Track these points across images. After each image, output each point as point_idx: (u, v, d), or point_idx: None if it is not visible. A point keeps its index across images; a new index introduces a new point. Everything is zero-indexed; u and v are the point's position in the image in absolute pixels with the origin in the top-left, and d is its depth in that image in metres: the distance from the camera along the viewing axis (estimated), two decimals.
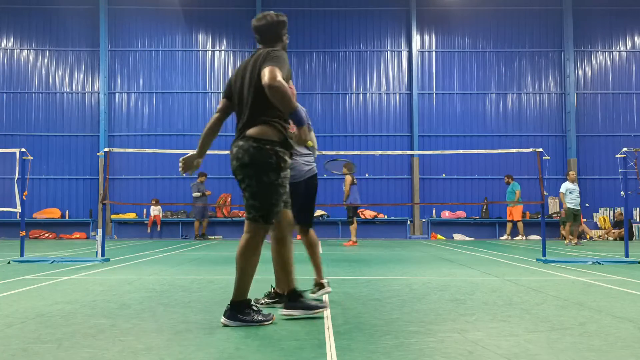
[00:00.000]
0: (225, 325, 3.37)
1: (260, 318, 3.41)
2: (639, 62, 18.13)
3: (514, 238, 16.36)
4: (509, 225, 16.55)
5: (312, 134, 4.39)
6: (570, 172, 13.90)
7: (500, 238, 16.71)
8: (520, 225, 16.37)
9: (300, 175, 4.36)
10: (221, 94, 3.77)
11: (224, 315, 3.40)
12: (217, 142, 16.44)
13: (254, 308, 3.43)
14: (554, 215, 17.36)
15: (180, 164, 3.77)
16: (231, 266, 7.49)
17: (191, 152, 3.75)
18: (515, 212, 16.24)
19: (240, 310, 3.38)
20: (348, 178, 12.76)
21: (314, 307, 3.65)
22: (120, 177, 17.48)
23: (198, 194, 16.01)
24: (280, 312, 3.65)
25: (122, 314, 3.76)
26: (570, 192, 13.39)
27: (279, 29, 3.66)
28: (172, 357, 2.65)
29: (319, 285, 4.50)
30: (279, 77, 3.19)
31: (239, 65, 18.37)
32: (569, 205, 13.30)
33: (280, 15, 3.68)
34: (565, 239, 16.28)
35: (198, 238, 16.30)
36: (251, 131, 3.39)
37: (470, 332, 3.21)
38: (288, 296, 3.66)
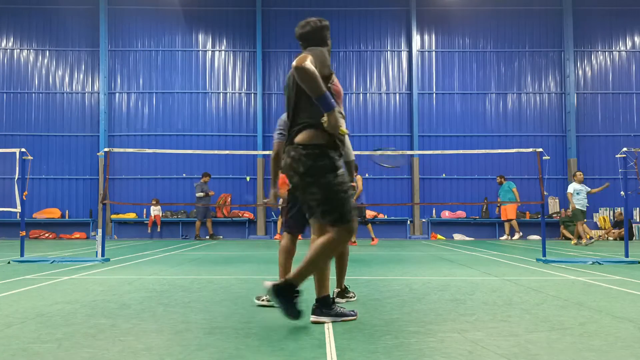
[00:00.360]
0: (316, 323, 3.44)
1: (345, 311, 3.53)
2: (639, 62, 18.13)
3: (513, 237, 16.33)
4: (507, 225, 16.51)
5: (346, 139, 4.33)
6: (577, 173, 13.71)
7: (500, 238, 16.69)
8: (514, 223, 16.32)
9: None
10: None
11: (313, 314, 3.47)
12: (217, 141, 16.31)
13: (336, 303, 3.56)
14: (554, 215, 17.36)
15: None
16: (231, 266, 7.50)
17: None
18: (510, 211, 16.20)
19: (326, 305, 3.47)
20: (359, 177, 12.80)
21: (345, 314, 3.54)
22: (120, 177, 17.48)
23: (202, 194, 16.02)
24: (310, 318, 3.50)
25: (122, 314, 3.76)
26: (577, 193, 13.27)
27: (323, 34, 3.68)
28: (172, 357, 2.65)
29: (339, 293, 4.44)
30: (308, 61, 3.14)
31: (238, 64, 18.10)
32: (577, 206, 13.23)
33: (323, 20, 3.72)
34: (565, 238, 16.27)
35: (198, 238, 16.30)
36: (298, 138, 3.35)
37: (470, 332, 3.21)
38: (320, 302, 3.51)
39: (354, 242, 13.27)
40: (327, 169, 3.29)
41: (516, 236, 16.23)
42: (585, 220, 13.52)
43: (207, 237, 16.55)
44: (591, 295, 4.70)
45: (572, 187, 13.46)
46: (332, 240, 3.33)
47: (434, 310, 3.98)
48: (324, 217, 3.34)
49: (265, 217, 17.56)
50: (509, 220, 16.32)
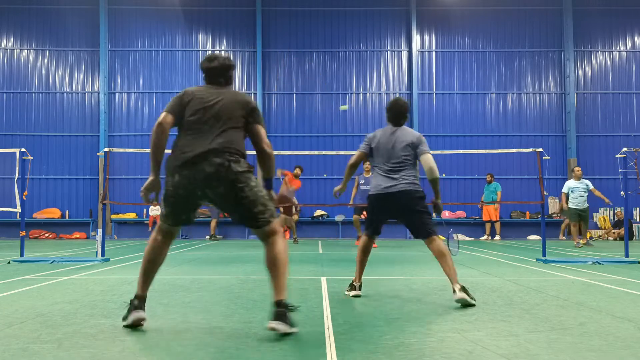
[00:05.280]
0: (284, 333, 3.03)
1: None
2: (639, 62, 18.12)
3: (494, 238, 16.26)
4: (488, 226, 16.43)
5: None
6: (576, 169, 13.07)
7: (481, 239, 16.53)
8: (497, 225, 16.27)
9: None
10: None
11: (279, 320, 3.04)
12: None
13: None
14: (554, 216, 17.36)
15: None
16: (231, 266, 7.50)
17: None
18: (493, 212, 16.15)
19: (289, 310, 3.15)
20: None
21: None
22: (120, 177, 17.47)
23: None
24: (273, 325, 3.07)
25: (122, 314, 3.76)
26: (572, 191, 12.69)
27: (229, 73, 3.68)
28: (172, 357, 2.66)
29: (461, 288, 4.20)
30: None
31: (238, 64, 18.04)
32: (570, 205, 12.66)
33: (230, 60, 3.68)
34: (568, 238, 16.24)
35: (215, 238, 16.12)
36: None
37: (470, 332, 3.21)
38: (285, 306, 3.15)
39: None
40: None
41: (497, 237, 16.16)
42: (584, 221, 12.89)
43: (208, 237, 16.52)
44: (591, 295, 4.71)
45: (567, 185, 12.87)
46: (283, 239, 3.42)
47: (434, 310, 3.98)
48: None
49: None
50: (490, 221, 16.25)
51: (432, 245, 4.54)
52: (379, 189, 4.72)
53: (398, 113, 4.89)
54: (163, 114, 3.44)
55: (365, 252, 4.93)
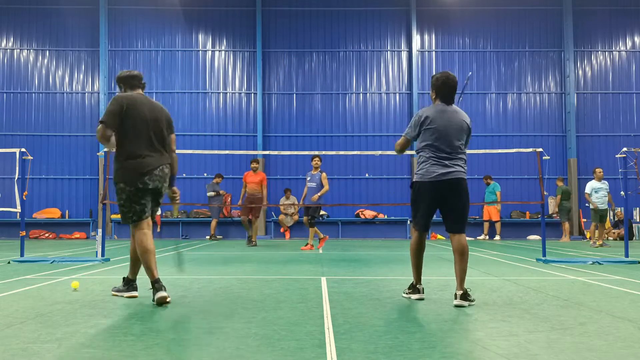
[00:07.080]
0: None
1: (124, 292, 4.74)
2: (639, 62, 18.12)
3: (493, 238, 16.25)
4: (487, 225, 16.43)
5: None
6: (597, 170, 13.19)
7: (478, 238, 16.48)
8: (498, 225, 16.28)
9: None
10: None
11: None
12: (217, 141, 16.18)
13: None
14: (554, 215, 17.35)
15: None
16: (231, 266, 7.50)
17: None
18: (493, 212, 16.16)
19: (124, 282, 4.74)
20: (324, 174, 11.58)
21: (121, 291, 4.79)
22: None
23: (212, 193, 16.01)
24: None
25: (122, 314, 3.77)
26: (595, 192, 12.82)
27: (131, 82, 5.29)
28: (172, 357, 2.66)
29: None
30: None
31: (238, 64, 18.02)
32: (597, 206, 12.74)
33: (132, 72, 5.34)
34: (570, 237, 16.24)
35: (215, 238, 16.14)
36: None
37: (470, 332, 3.21)
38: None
39: (312, 245, 11.49)
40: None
41: (497, 237, 16.16)
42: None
43: (208, 237, 16.52)
44: (591, 295, 4.71)
45: (590, 185, 13.00)
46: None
47: (434, 310, 3.98)
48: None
49: (266, 217, 17.56)
50: (489, 221, 16.26)
51: (457, 239, 4.35)
52: (433, 175, 4.36)
53: (452, 88, 4.63)
54: (101, 128, 4.65)
55: (420, 250, 4.58)
